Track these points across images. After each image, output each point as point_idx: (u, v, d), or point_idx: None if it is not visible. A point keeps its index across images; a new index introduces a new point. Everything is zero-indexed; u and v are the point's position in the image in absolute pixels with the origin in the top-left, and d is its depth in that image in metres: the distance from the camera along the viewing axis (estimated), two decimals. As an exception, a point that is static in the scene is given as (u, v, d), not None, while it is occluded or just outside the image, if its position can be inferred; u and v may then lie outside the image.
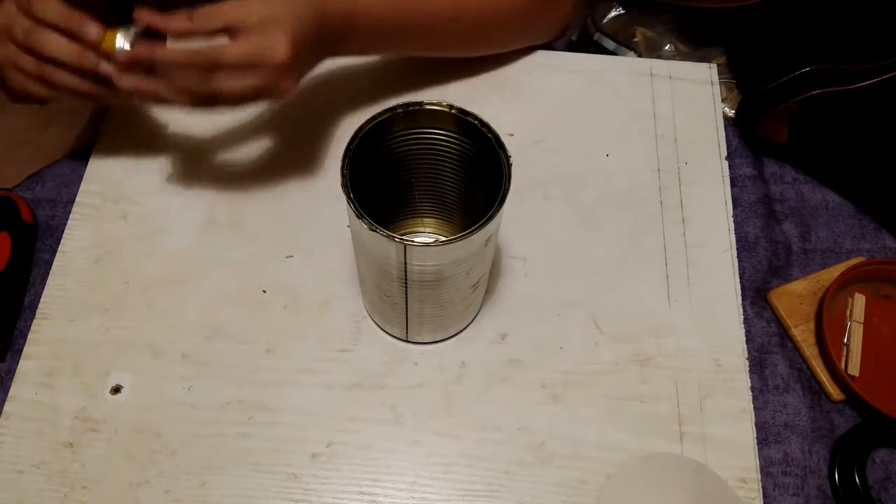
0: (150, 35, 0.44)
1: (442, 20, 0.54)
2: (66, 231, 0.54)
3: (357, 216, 0.37)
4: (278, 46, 0.43)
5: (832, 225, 0.60)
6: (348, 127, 0.55)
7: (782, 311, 0.55)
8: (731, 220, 0.56)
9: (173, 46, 0.43)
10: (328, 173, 0.57)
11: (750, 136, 0.63)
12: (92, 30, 0.44)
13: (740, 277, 0.54)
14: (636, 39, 0.71)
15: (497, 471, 0.47)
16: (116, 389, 0.49)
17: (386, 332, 0.51)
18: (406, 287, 0.42)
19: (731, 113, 0.65)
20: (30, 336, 0.50)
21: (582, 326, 0.52)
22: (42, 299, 0.51)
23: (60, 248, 0.53)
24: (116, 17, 0.45)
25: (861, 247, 0.59)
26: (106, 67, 0.44)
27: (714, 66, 0.64)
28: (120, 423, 0.47)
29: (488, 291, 0.53)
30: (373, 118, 0.40)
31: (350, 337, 0.51)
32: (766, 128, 0.62)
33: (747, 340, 0.52)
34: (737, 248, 0.55)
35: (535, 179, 0.57)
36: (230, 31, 0.43)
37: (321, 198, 0.56)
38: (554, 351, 0.51)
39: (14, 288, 0.53)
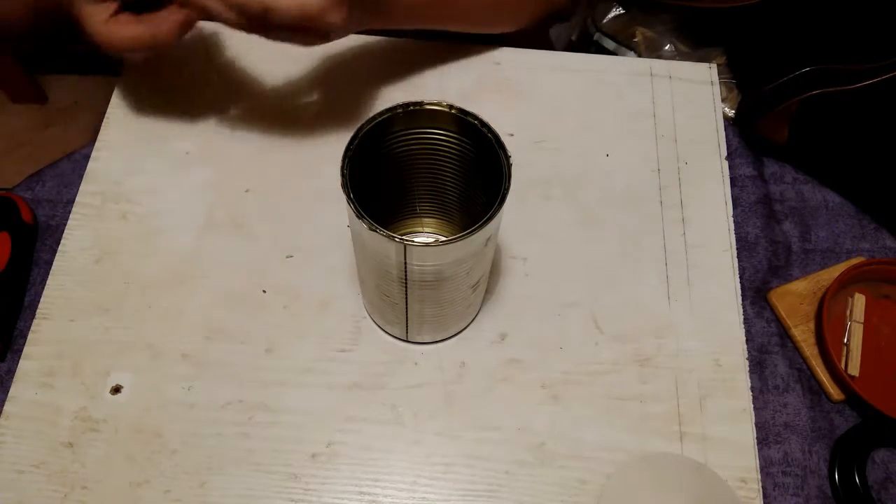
0: None
1: None
2: (66, 231, 0.54)
3: (357, 216, 0.37)
4: None
5: (832, 225, 0.60)
6: (348, 127, 0.55)
7: (782, 311, 0.55)
8: (731, 220, 0.56)
9: None
10: (328, 173, 0.57)
11: (750, 136, 0.64)
12: None
13: (740, 277, 0.54)
14: (636, 39, 0.71)
15: (497, 471, 0.47)
16: (116, 389, 0.49)
17: (386, 332, 0.51)
18: (406, 287, 0.42)
19: (731, 113, 0.65)
20: (30, 336, 0.50)
21: (582, 326, 0.52)
22: (42, 299, 0.51)
23: (60, 248, 0.53)
24: None
25: (861, 247, 0.59)
26: None
27: (714, 66, 0.64)
28: (120, 423, 0.47)
29: (488, 291, 0.53)
30: (373, 118, 0.40)
31: (350, 337, 0.51)
32: (766, 128, 0.62)
33: (747, 340, 0.52)
34: (737, 248, 0.55)
35: (535, 179, 0.57)
36: None
37: (321, 198, 0.56)
38: (554, 351, 0.51)
39: (14, 288, 0.53)
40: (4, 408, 0.48)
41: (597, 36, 0.72)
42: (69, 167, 0.59)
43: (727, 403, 0.49)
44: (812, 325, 0.55)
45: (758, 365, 0.54)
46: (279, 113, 0.59)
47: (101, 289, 0.52)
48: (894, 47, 0.56)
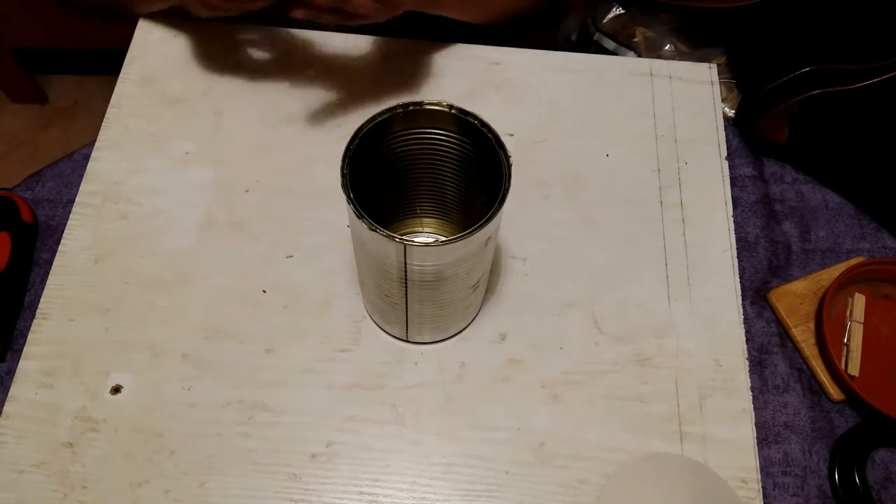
0: None
1: None
2: (66, 231, 0.54)
3: (357, 216, 0.37)
4: None
5: (832, 225, 0.60)
6: (348, 127, 0.55)
7: (782, 311, 0.55)
8: (731, 220, 0.56)
9: None
10: (328, 173, 0.57)
11: (750, 136, 0.64)
12: None
13: (740, 277, 0.54)
14: (636, 39, 0.71)
15: (497, 471, 0.47)
16: (116, 389, 0.49)
17: (386, 332, 0.51)
18: (406, 287, 0.42)
19: (731, 113, 0.65)
20: (30, 336, 0.50)
21: (582, 326, 0.52)
22: (42, 299, 0.51)
23: (60, 248, 0.53)
24: None
25: (861, 247, 0.59)
26: None
27: (714, 66, 0.64)
28: (120, 423, 0.47)
29: (488, 291, 0.53)
30: (373, 118, 0.40)
31: (350, 337, 0.51)
32: (766, 128, 0.62)
33: (747, 340, 0.52)
34: (737, 248, 0.55)
35: (535, 179, 0.57)
36: None
37: (321, 198, 0.56)
38: (554, 351, 0.51)
39: (14, 288, 0.54)
40: (4, 408, 0.48)
41: (597, 36, 0.72)
42: (69, 167, 0.59)
43: (727, 403, 0.49)
44: (812, 325, 0.55)
45: (758, 365, 0.54)
46: (279, 113, 0.59)
47: (101, 289, 0.52)
48: (894, 47, 0.56)
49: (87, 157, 0.57)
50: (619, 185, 0.58)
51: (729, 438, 0.48)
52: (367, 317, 0.52)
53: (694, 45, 0.70)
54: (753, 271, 0.58)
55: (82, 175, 0.56)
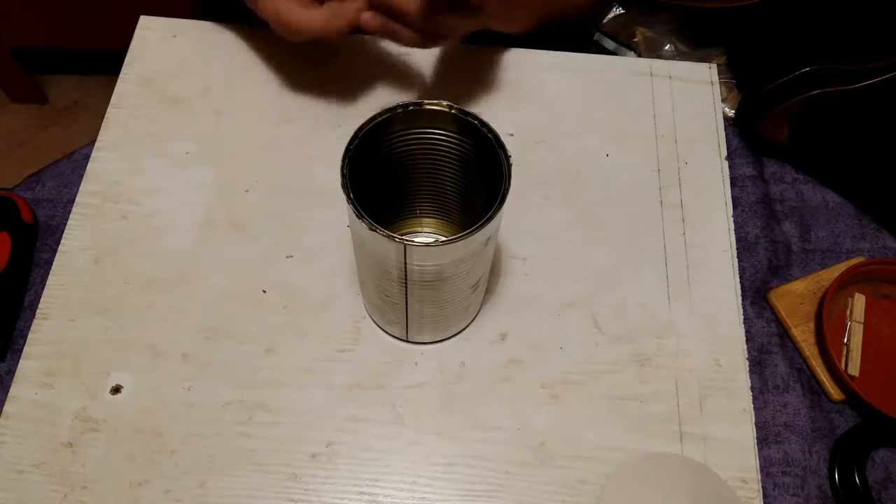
0: None
1: None
2: (66, 231, 0.54)
3: (357, 216, 0.37)
4: None
5: (832, 225, 0.60)
6: (348, 127, 0.55)
7: (782, 311, 0.55)
8: (731, 220, 0.56)
9: None
10: (328, 173, 0.57)
11: (750, 136, 0.64)
12: None
13: (740, 277, 0.54)
14: (636, 39, 0.71)
15: (497, 471, 0.47)
16: (116, 389, 0.49)
17: (386, 332, 0.51)
18: (406, 287, 0.42)
19: (731, 113, 0.65)
20: (30, 336, 0.50)
21: (582, 326, 0.52)
22: (42, 299, 0.51)
23: (60, 248, 0.53)
24: None
25: (861, 247, 0.59)
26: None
27: (714, 66, 0.64)
28: (120, 423, 0.47)
29: (488, 291, 0.53)
30: (373, 118, 0.40)
31: (350, 337, 0.51)
32: (766, 128, 0.62)
33: (747, 340, 0.52)
34: (737, 248, 0.55)
35: (535, 179, 0.57)
36: None
37: (321, 198, 0.56)
38: (554, 351, 0.51)
39: (14, 288, 0.54)
40: (4, 408, 0.48)
41: (597, 36, 0.72)
42: (69, 167, 0.59)
43: (727, 403, 0.49)
44: (812, 325, 0.55)
45: (758, 365, 0.54)
46: (279, 113, 0.59)
47: (101, 289, 0.52)
48: (894, 47, 0.56)
49: (87, 157, 0.57)
50: (619, 185, 0.58)
51: (729, 438, 0.48)
52: (367, 317, 0.52)
53: (694, 45, 0.70)
54: (753, 271, 0.58)
55: (82, 175, 0.56)
